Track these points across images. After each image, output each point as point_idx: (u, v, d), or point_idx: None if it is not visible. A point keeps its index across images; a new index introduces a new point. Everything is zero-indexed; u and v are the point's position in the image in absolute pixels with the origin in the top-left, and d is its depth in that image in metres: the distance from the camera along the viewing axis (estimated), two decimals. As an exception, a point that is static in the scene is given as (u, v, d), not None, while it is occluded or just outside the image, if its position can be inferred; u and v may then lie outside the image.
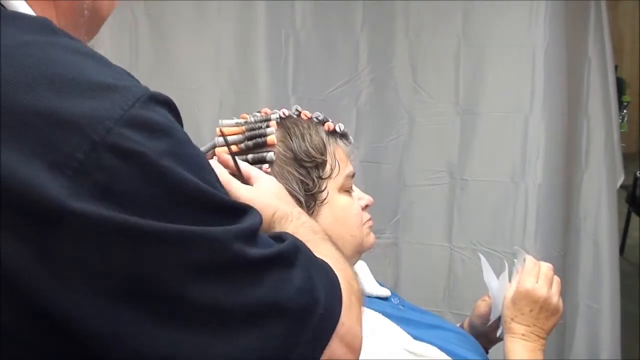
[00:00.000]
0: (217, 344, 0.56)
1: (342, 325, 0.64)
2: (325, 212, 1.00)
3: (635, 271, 3.87)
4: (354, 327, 0.66)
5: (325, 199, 1.00)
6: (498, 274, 1.22)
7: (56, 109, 0.52)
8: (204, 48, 2.06)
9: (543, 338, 1.13)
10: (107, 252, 0.53)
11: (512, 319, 1.13)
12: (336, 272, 0.68)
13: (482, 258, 1.27)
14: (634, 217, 4.16)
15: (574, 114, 2.10)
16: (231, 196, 0.83)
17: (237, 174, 0.89)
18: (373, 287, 1.13)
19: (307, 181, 0.98)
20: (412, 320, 1.08)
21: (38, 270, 0.52)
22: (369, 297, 1.10)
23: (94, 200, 0.52)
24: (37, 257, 0.52)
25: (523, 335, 1.12)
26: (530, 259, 1.18)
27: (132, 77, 0.60)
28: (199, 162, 0.60)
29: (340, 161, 1.02)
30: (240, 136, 0.98)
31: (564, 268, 2.07)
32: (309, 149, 0.99)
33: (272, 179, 0.90)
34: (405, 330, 1.02)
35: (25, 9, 0.61)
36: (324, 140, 1.01)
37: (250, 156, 0.96)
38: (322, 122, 1.04)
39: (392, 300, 1.14)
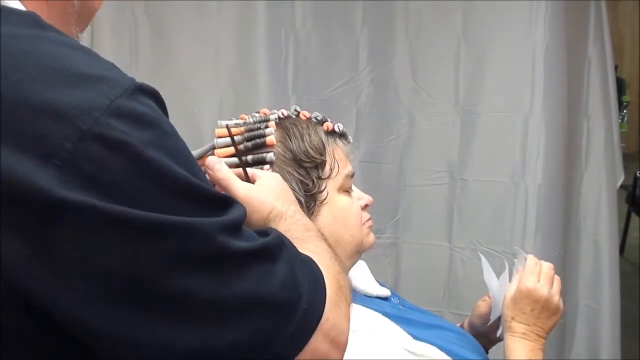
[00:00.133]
0: (198, 336, 0.57)
1: (327, 320, 0.64)
2: (325, 212, 0.99)
3: (635, 271, 3.87)
4: (339, 324, 0.66)
5: (325, 199, 1.00)
6: (498, 274, 1.22)
7: (44, 101, 0.53)
8: (204, 48, 2.06)
9: (543, 337, 1.13)
10: (94, 241, 0.53)
11: (512, 318, 1.13)
12: (322, 268, 0.69)
13: (483, 258, 1.27)
14: (634, 217, 4.15)
15: (574, 114, 2.10)
16: (229, 193, 0.83)
17: (243, 174, 0.89)
18: (373, 287, 1.13)
19: (306, 181, 0.98)
20: (412, 320, 1.08)
21: (32, 265, 0.52)
22: (369, 297, 1.10)
23: (82, 190, 0.52)
24: (34, 253, 0.52)
25: (523, 334, 1.12)
26: (531, 258, 1.18)
27: (119, 69, 0.60)
28: (184, 154, 0.60)
29: (339, 161, 1.02)
30: (240, 137, 0.98)
31: (564, 268, 2.07)
32: (308, 149, 0.99)
33: (275, 177, 0.90)
34: (405, 330, 1.02)
35: (15, 3, 0.61)
36: (323, 140, 1.01)
37: (250, 157, 0.96)
38: (321, 122, 1.04)
39: (392, 300, 1.14)
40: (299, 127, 1.00)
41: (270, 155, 0.96)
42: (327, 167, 1.01)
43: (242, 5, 2.03)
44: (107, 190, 0.53)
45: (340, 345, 0.67)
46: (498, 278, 1.21)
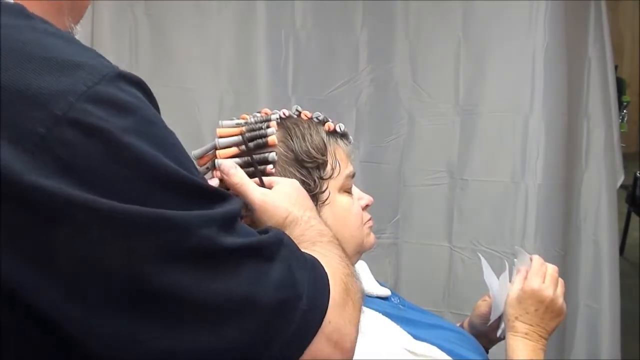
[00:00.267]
0: (182, 336, 0.55)
1: (329, 323, 0.62)
2: (326, 213, 0.99)
3: (635, 271, 3.86)
4: (344, 327, 0.64)
5: (326, 199, 1.00)
6: (498, 274, 1.22)
7: (21, 86, 0.52)
8: (204, 48, 2.06)
9: (545, 338, 1.13)
10: (63, 230, 0.51)
11: (516, 317, 1.13)
12: (328, 270, 0.67)
13: (482, 258, 1.27)
14: (634, 217, 4.15)
15: (574, 114, 2.10)
16: (245, 198, 0.82)
17: (259, 181, 0.89)
18: (373, 287, 1.13)
19: (308, 182, 0.98)
20: (413, 320, 1.08)
21: (3, 251, 0.50)
22: (369, 296, 1.10)
23: (55, 176, 0.51)
24: (3, 240, 0.50)
25: (526, 334, 1.12)
26: (537, 259, 1.18)
27: (105, 58, 0.59)
28: (169, 143, 0.58)
29: (340, 161, 1.02)
30: (241, 137, 0.98)
31: (564, 268, 2.06)
32: (310, 149, 0.99)
33: (292, 183, 0.90)
34: (405, 330, 1.02)
35: None
36: (325, 140, 1.01)
37: (252, 157, 0.96)
38: (323, 122, 1.04)
39: (393, 299, 1.14)
40: (301, 127, 1.00)
41: (272, 155, 0.95)
42: (329, 167, 1.00)
43: (242, 5, 2.04)
44: (82, 178, 0.51)
45: (345, 350, 0.64)
46: (498, 278, 1.21)
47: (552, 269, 1.17)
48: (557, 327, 1.15)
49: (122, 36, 2.03)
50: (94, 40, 1.97)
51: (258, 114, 1.03)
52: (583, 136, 2.14)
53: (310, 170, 0.98)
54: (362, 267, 1.16)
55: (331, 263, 0.69)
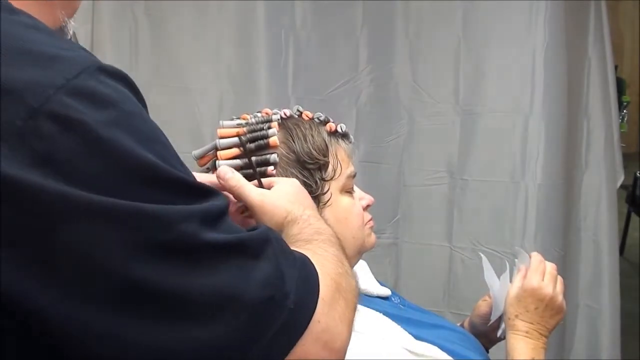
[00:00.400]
0: (162, 332, 0.54)
1: (318, 322, 0.61)
2: (327, 214, 0.98)
3: (635, 271, 3.86)
4: (334, 327, 0.63)
5: (328, 200, 0.99)
6: (498, 274, 1.22)
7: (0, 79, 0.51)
8: (204, 48, 2.06)
9: (545, 336, 1.12)
10: (38, 222, 0.51)
11: (516, 316, 1.13)
12: (319, 269, 0.65)
13: (484, 258, 1.27)
14: (634, 217, 4.15)
15: (574, 114, 2.10)
16: (244, 200, 0.82)
17: (258, 183, 0.88)
18: (374, 287, 1.13)
19: (310, 183, 0.97)
20: (413, 320, 1.08)
21: None
22: (369, 296, 1.10)
23: (32, 168, 0.50)
24: None
25: (527, 332, 1.11)
26: (536, 255, 1.18)
27: (88, 52, 0.58)
28: (152, 137, 0.57)
29: (342, 162, 1.02)
30: (242, 138, 0.97)
31: (564, 268, 2.06)
32: (312, 150, 0.98)
33: (292, 182, 0.89)
34: (406, 330, 1.02)
35: None
36: (326, 141, 1.00)
37: (253, 159, 0.95)
38: (324, 123, 1.03)
39: (393, 299, 1.14)
40: (302, 128, 1.00)
41: (274, 157, 0.95)
42: (330, 168, 1.00)
43: (242, 5, 2.04)
44: (59, 170, 0.51)
45: (335, 350, 0.63)
46: (499, 278, 1.21)
47: (550, 266, 1.17)
48: (557, 325, 1.15)
49: (122, 36, 2.02)
50: (94, 40, 1.97)
51: (259, 114, 1.02)
52: (583, 136, 2.14)
53: (312, 172, 0.98)
54: (362, 266, 1.15)
55: (323, 262, 0.68)
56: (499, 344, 1.23)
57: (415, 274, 2.23)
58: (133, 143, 0.54)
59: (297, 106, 1.05)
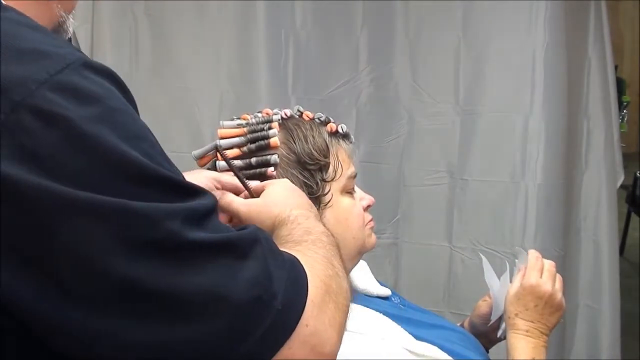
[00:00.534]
0: (146, 330, 0.54)
1: (305, 326, 0.60)
2: (327, 215, 0.98)
3: (635, 271, 3.86)
4: (323, 331, 0.62)
5: (329, 201, 0.99)
6: (498, 274, 1.22)
7: None
8: (204, 48, 2.06)
9: (546, 334, 1.12)
10: (19, 217, 0.51)
11: (516, 314, 1.13)
12: (309, 271, 0.64)
13: (484, 258, 1.27)
14: (634, 217, 4.15)
15: (574, 114, 2.10)
16: (234, 216, 0.82)
17: (248, 192, 0.88)
18: (374, 287, 1.13)
19: (310, 184, 0.97)
20: (413, 320, 1.07)
21: None
22: (369, 296, 1.10)
23: (14, 162, 0.50)
24: None
25: (527, 331, 1.11)
26: (533, 253, 1.17)
27: (75, 48, 0.58)
28: (137, 134, 0.57)
29: (342, 162, 1.01)
30: (242, 138, 0.97)
31: (564, 268, 2.06)
32: (313, 151, 0.97)
33: (282, 183, 0.89)
34: (406, 330, 1.02)
35: None
36: (327, 141, 1.00)
37: (254, 159, 0.95)
38: (325, 123, 1.03)
39: (393, 299, 1.14)
40: (303, 129, 0.99)
41: (274, 158, 0.94)
42: (331, 169, 0.99)
43: (242, 5, 2.04)
44: (42, 164, 0.51)
45: (323, 354, 0.61)
46: (499, 278, 1.21)
47: (549, 264, 1.16)
48: (557, 323, 1.15)
49: (122, 36, 2.02)
50: (94, 40, 1.97)
51: (259, 114, 1.02)
52: (583, 136, 2.14)
53: (312, 173, 0.97)
54: (362, 266, 1.15)
55: (312, 263, 0.67)
56: (499, 344, 1.23)
57: (415, 274, 2.23)
58: (117, 140, 0.54)
59: (297, 106, 1.04)
